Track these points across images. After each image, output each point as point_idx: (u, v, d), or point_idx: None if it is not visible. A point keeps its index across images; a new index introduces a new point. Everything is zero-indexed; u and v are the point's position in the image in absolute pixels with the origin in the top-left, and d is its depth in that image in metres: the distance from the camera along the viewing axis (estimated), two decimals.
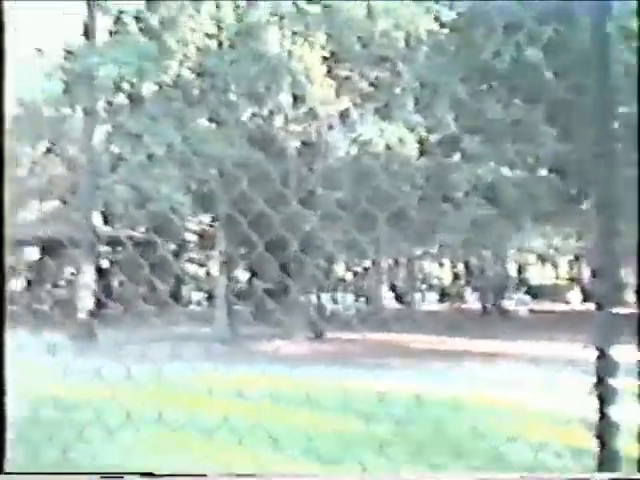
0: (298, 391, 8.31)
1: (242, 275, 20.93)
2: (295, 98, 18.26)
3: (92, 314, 17.76)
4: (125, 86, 18.28)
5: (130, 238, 19.94)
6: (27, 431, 5.47)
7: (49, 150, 20.10)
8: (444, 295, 38.09)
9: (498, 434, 6.49)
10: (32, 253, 20.93)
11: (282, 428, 6.45)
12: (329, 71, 17.98)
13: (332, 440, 6.33)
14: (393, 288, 35.35)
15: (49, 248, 20.43)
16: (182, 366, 10.37)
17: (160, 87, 18.30)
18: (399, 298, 33.23)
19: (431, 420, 6.65)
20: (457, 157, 18.93)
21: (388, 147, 17.40)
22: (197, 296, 23.96)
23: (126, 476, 1.65)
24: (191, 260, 25.07)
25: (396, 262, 37.84)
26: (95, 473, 1.66)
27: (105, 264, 20.75)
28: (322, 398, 7.77)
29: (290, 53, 17.60)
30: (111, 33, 18.63)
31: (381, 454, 5.48)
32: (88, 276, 18.51)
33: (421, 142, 17.75)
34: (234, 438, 5.11)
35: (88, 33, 18.79)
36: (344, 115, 18.73)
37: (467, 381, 9.93)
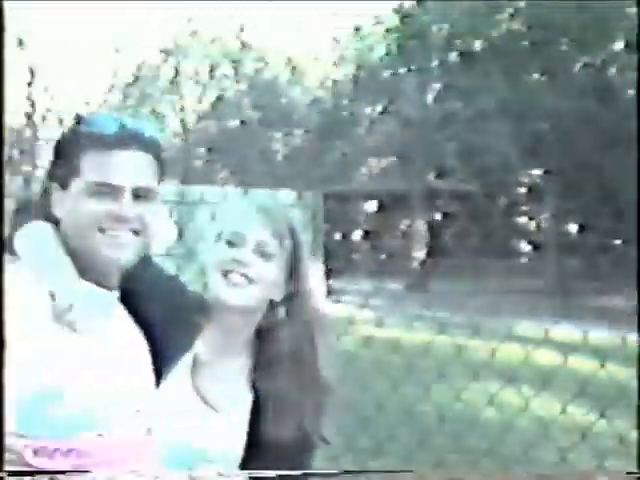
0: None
1: (572, 228, 20.58)
2: (627, 45, 17.50)
3: (425, 265, 18.66)
4: (457, 43, 18.72)
5: (461, 192, 20.50)
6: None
7: (385, 109, 21.16)
8: None
9: None
10: (371, 206, 22.25)
11: None
12: None
13: None
14: None
15: (386, 201, 21.67)
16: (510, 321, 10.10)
17: (490, 42, 18.48)
18: None
19: None
20: None
21: None
22: (527, 249, 23.94)
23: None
24: (522, 213, 25.04)
25: None
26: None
27: (438, 217, 21.53)
28: None
29: None
30: None
31: None
32: (422, 228, 19.44)
33: None
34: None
35: None
36: None
37: None
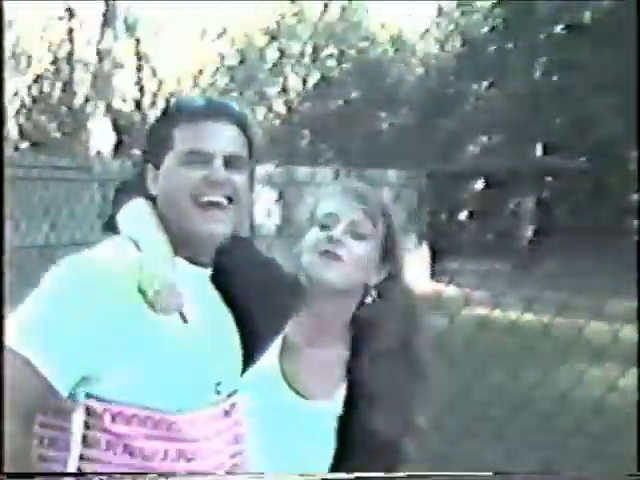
0: None
1: None
2: None
3: (532, 244, 18.28)
4: (565, 17, 18.21)
5: (571, 168, 19.95)
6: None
7: (491, 85, 20.77)
8: None
9: None
10: (477, 185, 21.91)
11: None
12: None
13: None
14: None
15: (494, 179, 21.26)
16: None
17: (599, 14, 17.90)
18: None
19: None
20: None
21: None
22: None
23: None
24: (635, 189, 24.20)
25: None
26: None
27: (546, 194, 21.04)
28: None
29: None
30: None
31: None
32: (530, 207, 19.04)
33: None
34: None
35: None
36: None
37: None
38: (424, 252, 17.74)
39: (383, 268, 2.00)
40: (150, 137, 1.79)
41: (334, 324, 2.01)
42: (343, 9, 23.43)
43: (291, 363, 1.98)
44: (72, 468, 1.60)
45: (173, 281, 1.63)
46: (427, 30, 21.95)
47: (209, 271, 1.76)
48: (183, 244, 1.69)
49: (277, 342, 1.94)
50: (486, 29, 21.09)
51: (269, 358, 1.92)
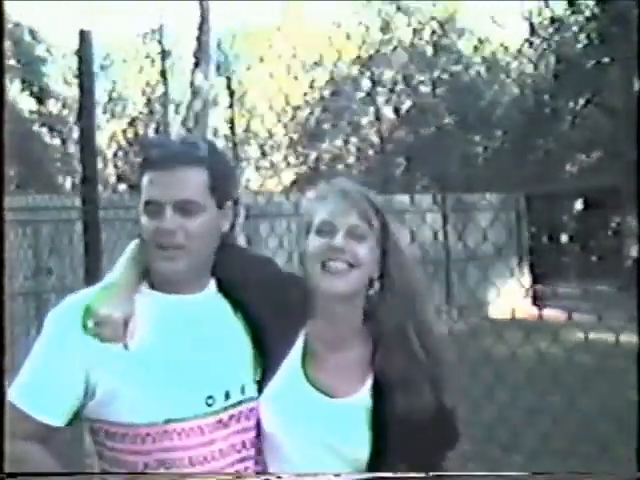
0: None
1: None
2: None
3: (638, 263, 17.53)
4: None
5: None
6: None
7: (589, 101, 20.21)
8: None
9: None
10: (578, 204, 21.29)
11: None
12: None
13: None
14: None
15: (594, 199, 20.60)
16: None
17: None
18: None
19: None
20: None
21: None
22: None
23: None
24: None
25: None
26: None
27: None
28: None
29: None
30: None
31: None
32: (633, 225, 18.30)
33: None
34: None
35: None
36: None
37: None
38: (525, 275, 17.34)
39: (384, 261, 2.07)
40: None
41: (349, 325, 2.08)
42: (433, 32, 23.30)
43: (314, 368, 2.05)
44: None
45: (114, 314, 1.83)
46: (520, 50, 21.56)
47: (198, 295, 1.98)
48: (157, 280, 1.95)
49: (298, 349, 2.06)
50: (581, 45, 20.56)
51: (291, 365, 2.05)
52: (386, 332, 2.04)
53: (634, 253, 18.00)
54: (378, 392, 2.03)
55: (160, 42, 20.87)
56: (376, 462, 2.01)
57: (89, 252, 3.26)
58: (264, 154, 21.04)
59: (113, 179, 20.35)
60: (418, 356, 2.03)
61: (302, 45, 21.66)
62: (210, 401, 1.91)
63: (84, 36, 3.18)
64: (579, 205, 20.90)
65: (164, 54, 20.68)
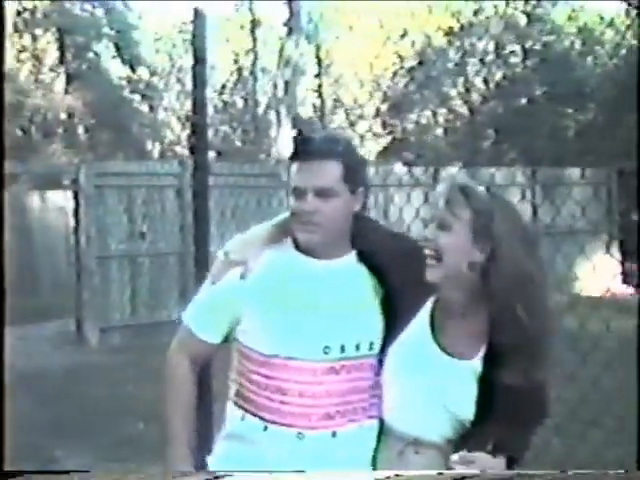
0: None
1: None
2: None
3: None
4: None
5: None
6: None
7: None
8: None
9: None
10: None
11: None
12: None
13: None
14: None
15: None
16: None
17: None
18: None
19: None
20: None
21: None
22: None
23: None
24: None
25: None
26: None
27: None
28: None
29: None
30: None
31: None
32: None
33: None
34: None
35: None
36: None
37: None
38: (615, 254, 16.95)
39: (480, 249, 2.23)
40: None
41: (464, 300, 2.30)
42: (527, 1, 22.78)
43: (439, 331, 2.32)
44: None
45: (237, 253, 2.38)
46: (613, 19, 20.91)
47: (332, 261, 2.39)
48: (300, 244, 2.40)
49: (426, 312, 2.35)
50: None
51: (420, 325, 2.34)
52: (497, 310, 2.23)
53: None
54: (489, 361, 2.26)
55: (251, 10, 20.96)
56: (477, 425, 2.24)
57: (197, 218, 3.38)
58: (352, 124, 21.01)
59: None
60: (527, 333, 2.19)
61: (390, 15, 21.48)
62: (327, 350, 2.32)
63: (197, 14, 3.32)
64: None
65: (254, 23, 20.77)
